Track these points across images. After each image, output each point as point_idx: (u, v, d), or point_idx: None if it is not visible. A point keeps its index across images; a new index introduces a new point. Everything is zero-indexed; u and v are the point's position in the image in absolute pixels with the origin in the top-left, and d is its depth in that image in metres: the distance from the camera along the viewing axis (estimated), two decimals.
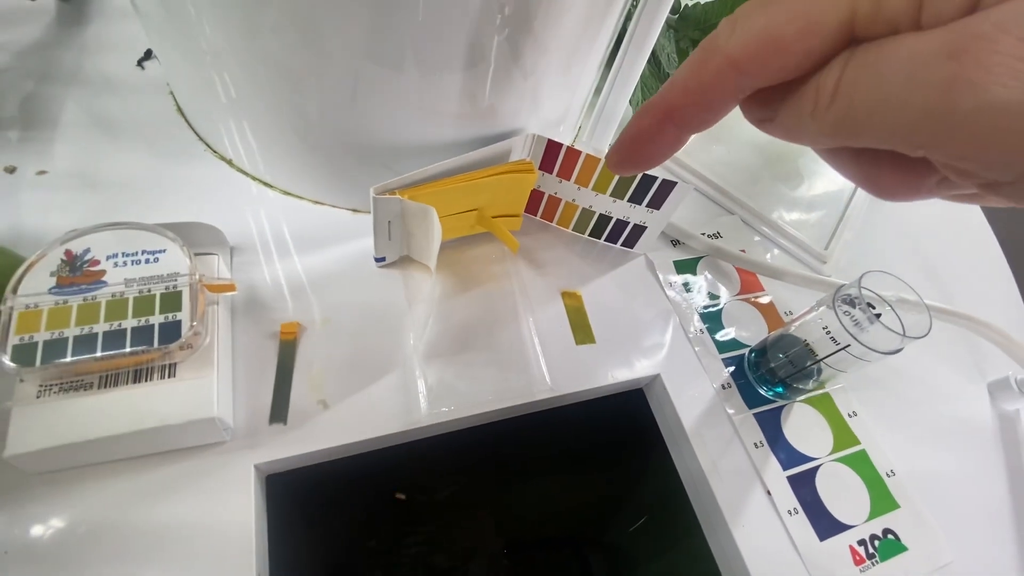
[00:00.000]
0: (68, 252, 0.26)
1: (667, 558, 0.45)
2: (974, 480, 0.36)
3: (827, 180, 0.49)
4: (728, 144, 0.49)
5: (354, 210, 0.37)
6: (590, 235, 0.39)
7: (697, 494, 0.33)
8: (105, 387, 0.25)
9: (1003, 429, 0.39)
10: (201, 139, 0.37)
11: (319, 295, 0.32)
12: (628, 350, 0.35)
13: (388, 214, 0.30)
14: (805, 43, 0.12)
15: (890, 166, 0.13)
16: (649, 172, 0.34)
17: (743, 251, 0.41)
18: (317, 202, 0.36)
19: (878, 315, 0.29)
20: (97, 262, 0.26)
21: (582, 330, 0.35)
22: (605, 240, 0.39)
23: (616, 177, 0.34)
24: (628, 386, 0.36)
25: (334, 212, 0.36)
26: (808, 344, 0.31)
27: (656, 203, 0.35)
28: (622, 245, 0.39)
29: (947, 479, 0.35)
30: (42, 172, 0.33)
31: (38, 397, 0.24)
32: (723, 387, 0.35)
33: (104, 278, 0.26)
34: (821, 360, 0.31)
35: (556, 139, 0.33)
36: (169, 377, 0.25)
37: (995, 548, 0.34)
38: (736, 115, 0.15)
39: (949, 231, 0.51)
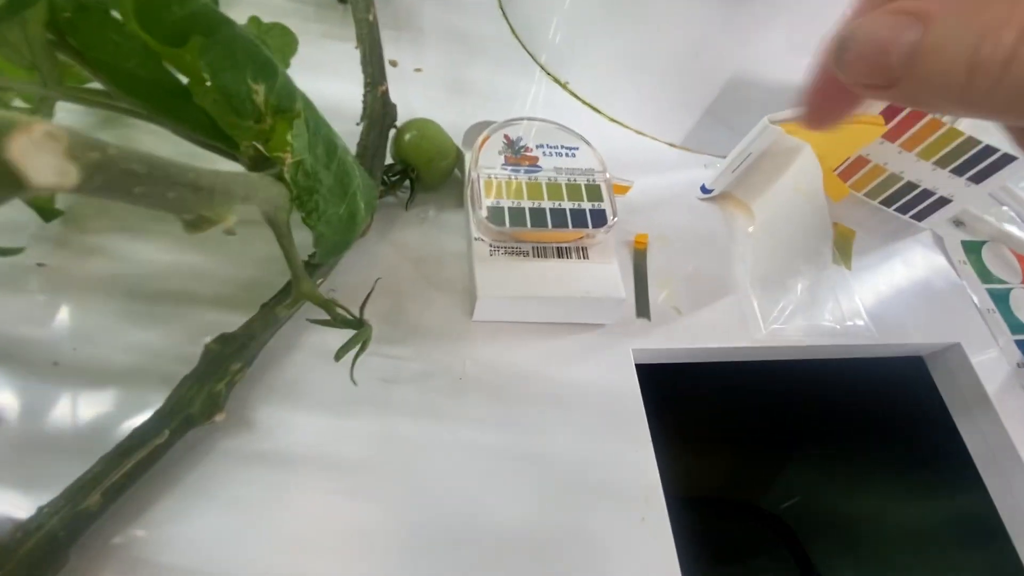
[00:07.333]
0: (507, 136, 0.29)
1: (950, 536, 0.45)
2: None
3: None
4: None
5: (671, 144, 0.39)
6: (880, 202, 0.40)
7: (996, 471, 0.33)
8: (536, 257, 0.28)
9: None
10: (535, 60, 0.40)
11: (649, 216, 0.35)
12: (918, 316, 0.36)
13: (759, 145, 0.32)
14: None
15: None
16: (991, 144, 0.35)
17: None
18: (639, 132, 0.39)
19: None
20: (530, 149, 0.29)
21: (845, 256, 0.37)
22: (894, 209, 0.40)
23: (951, 144, 0.35)
24: (913, 350, 0.37)
25: (652, 144, 0.39)
26: None
27: (979, 177, 0.36)
28: (911, 217, 0.40)
29: None
30: (418, 70, 0.37)
31: (491, 255, 0.27)
32: (1018, 366, 0.36)
33: (539, 163, 0.29)
34: None
35: None
36: (582, 258, 0.28)
37: None
38: None
39: None
